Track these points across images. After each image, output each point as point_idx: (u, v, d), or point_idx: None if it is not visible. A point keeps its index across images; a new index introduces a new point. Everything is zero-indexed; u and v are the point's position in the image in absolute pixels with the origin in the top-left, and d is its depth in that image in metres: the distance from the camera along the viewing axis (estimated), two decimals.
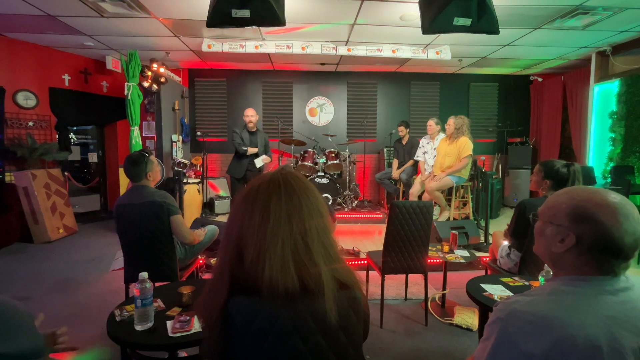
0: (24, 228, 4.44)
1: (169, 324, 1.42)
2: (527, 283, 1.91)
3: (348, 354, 0.86)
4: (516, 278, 1.98)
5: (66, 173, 5.25)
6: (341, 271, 0.87)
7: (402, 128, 5.62)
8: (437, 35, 4.44)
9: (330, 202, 5.49)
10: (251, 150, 4.75)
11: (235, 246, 0.84)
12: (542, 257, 0.90)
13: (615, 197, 0.78)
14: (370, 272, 3.05)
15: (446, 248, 2.74)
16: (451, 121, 4.47)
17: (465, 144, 4.34)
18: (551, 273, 1.36)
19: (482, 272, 3.06)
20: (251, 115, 4.78)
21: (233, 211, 0.89)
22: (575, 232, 0.78)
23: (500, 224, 4.95)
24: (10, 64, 4.72)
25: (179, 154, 5.80)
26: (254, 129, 4.84)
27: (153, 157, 2.31)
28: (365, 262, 3.03)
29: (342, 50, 4.98)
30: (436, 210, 4.80)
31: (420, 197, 4.85)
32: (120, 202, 2.18)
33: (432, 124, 4.98)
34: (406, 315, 2.75)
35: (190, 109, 6.64)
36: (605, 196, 0.78)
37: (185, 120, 6.34)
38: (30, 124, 4.92)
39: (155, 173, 2.29)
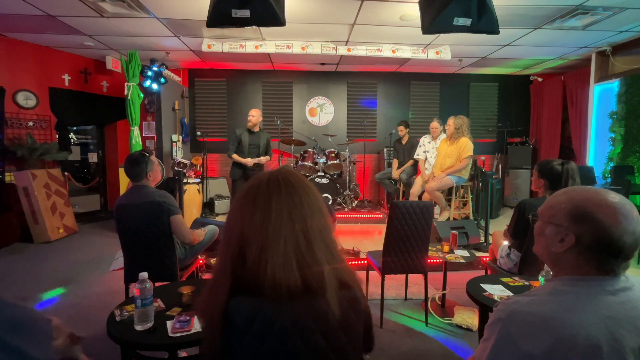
0: (24, 228, 4.44)
1: (169, 324, 1.42)
2: (527, 283, 1.91)
3: (348, 354, 0.86)
4: (516, 278, 1.98)
5: (66, 173, 5.25)
6: (342, 271, 0.86)
7: (402, 128, 5.62)
8: (437, 35, 4.44)
9: (330, 202, 5.48)
10: (236, 158, 4.65)
11: (237, 245, 0.83)
12: (541, 257, 0.90)
13: (614, 197, 0.78)
14: (370, 272, 3.05)
15: (446, 248, 2.74)
16: (451, 121, 4.46)
17: (466, 145, 4.34)
18: (551, 273, 1.36)
19: (482, 272, 3.06)
20: (252, 115, 4.74)
21: (232, 210, 0.89)
22: (574, 232, 0.78)
23: (500, 224, 4.95)
24: (10, 64, 4.72)
25: (179, 154, 5.80)
26: (255, 129, 4.80)
27: (153, 157, 2.31)
28: (365, 262, 3.03)
29: (342, 50, 4.98)
30: (436, 210, 4.80)
31: (420, 197, 4.85)
32: (121, 202, 2.18)
33: (436, 125, 4.97)
34: (406, 315, 2.75)
35: (190, 109, 6.64)
36: (604, 196, 0.78)
37: (185, 120, 6.35)
38: (30, 124, 4.92)
39: (156, 173, 2.30)
